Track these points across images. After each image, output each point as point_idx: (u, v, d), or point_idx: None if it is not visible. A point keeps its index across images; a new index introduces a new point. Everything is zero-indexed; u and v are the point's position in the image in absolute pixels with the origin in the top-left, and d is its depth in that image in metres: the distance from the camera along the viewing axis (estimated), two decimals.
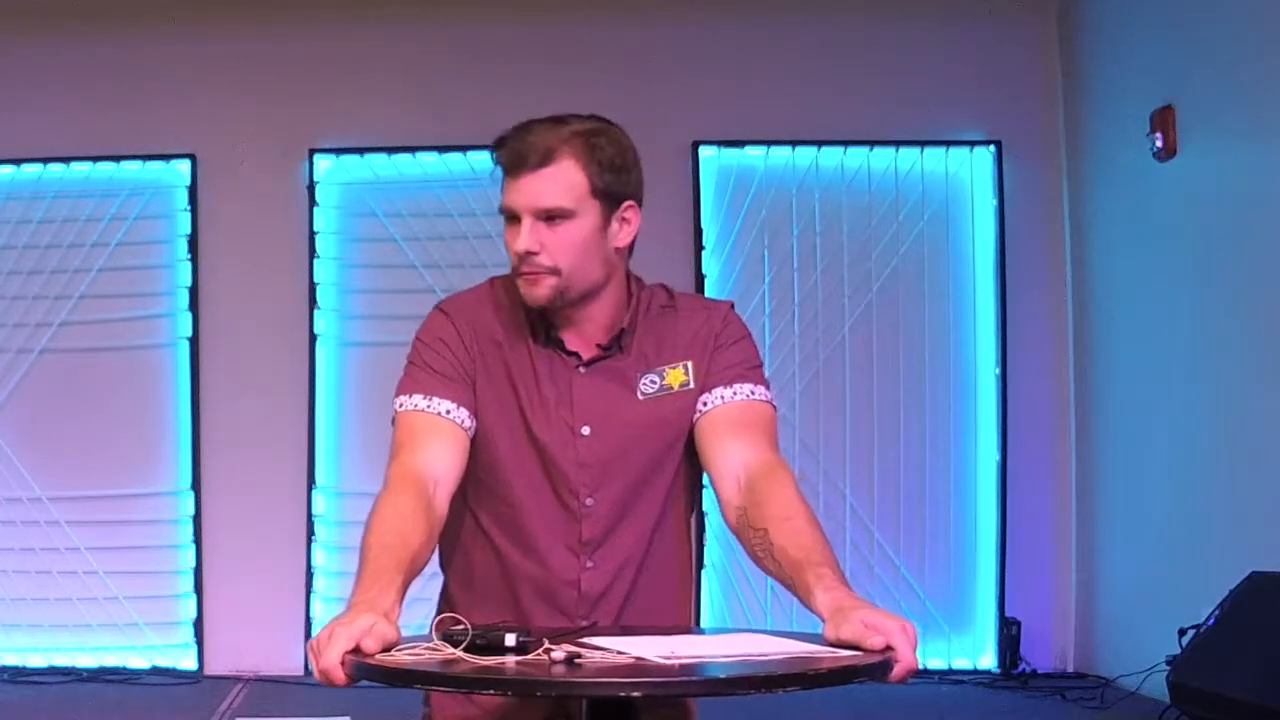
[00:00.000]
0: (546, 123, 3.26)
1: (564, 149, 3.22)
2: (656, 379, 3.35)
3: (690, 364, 3.37)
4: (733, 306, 3.49)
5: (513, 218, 3.26)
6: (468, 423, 3.28)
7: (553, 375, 3.33)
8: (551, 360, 3.34)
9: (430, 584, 3.42)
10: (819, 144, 8.62)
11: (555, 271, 3.24)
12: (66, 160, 8.55)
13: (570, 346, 3.34)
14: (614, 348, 3.36)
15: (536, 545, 3.33)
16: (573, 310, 3.32)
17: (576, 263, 3.26)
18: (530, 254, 3.23)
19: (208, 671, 8.46)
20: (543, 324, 3.34)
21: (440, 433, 3.25)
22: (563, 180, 3.22)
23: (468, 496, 3.36)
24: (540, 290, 3.26)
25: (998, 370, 8.60)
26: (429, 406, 3.27)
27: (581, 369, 3.34)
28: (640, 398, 3.34)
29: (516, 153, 3.23)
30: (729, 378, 3.35)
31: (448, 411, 3.26)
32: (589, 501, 3.32)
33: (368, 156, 8.62)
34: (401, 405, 3.31)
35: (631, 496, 3.34)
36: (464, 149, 8.49)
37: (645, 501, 3.35)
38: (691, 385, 3.36)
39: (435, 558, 3.28)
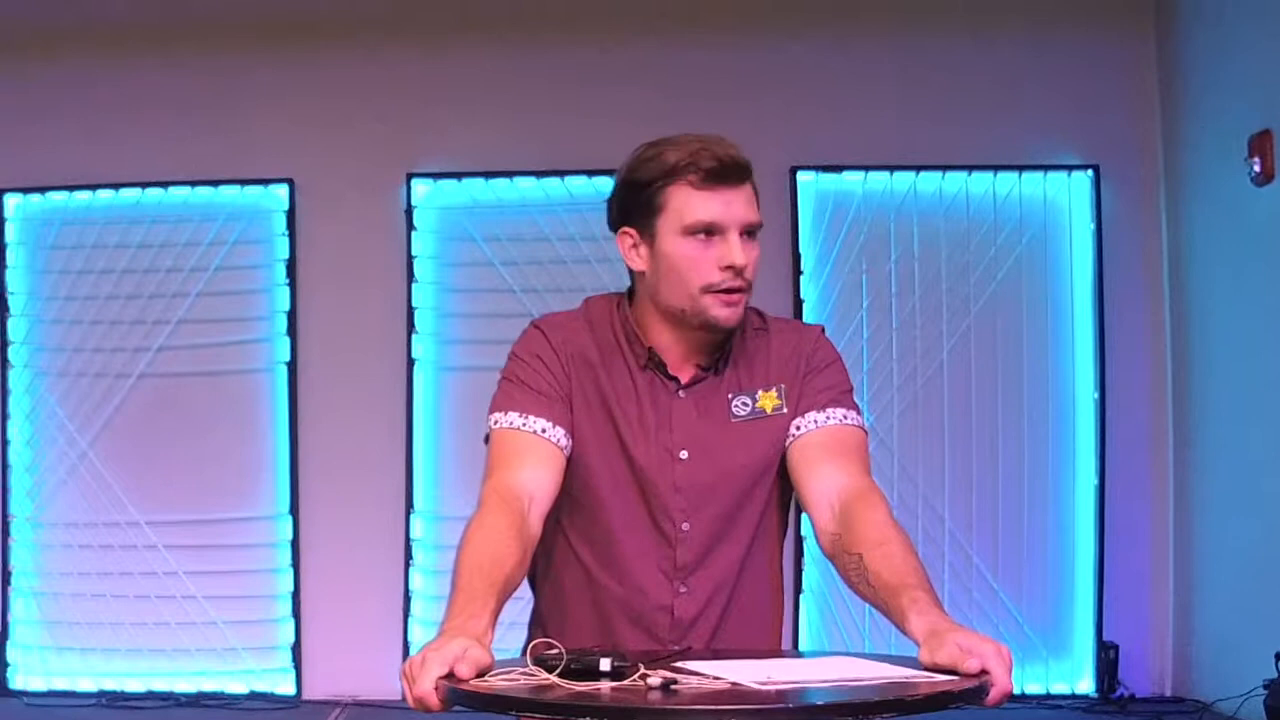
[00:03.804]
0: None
1: (749, 167, 3.24)
2: (749, 401, 3.33)
3: (783, 388, 3.34)
4: (824, 330, 3.47)
5: (707, 232, 3.20)
6: (564, 442, 3.25)
7: (653, 397, 3.31)
8: (652, 382, 3.31)
9: (524, 609, 3.45)
10: (917, 169, 8.59)
11: (747, 290, 3.23)
12: (165, 185, 8.59)
13: (671, 370, 3.32)
14: (712, 370, 3.33)
15: (630, 570, 3.31)
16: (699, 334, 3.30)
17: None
18: (744, 268, 3.20)
19: (306, 696, 8.48)
20: (643, 346, 3.31)
21: (536, 452, 3.22)
22: (756, 198, 3.23)
23: (560, 518, 3.34)
24: (739, 311, 3.24)
25: (1096, 394, 8.54)
26: (525, 425, 3.23)
27: (681, 393, 3.31)
28: (733, 420, 3.32)
29: (724, 162, 3.18)
30: (821, 402, 3.33)
31: (544, 430, 3.23)
32: (685, 526, 3.29)
33: (465, 181, 8.63)
34: (496, 423, 3.28)
35: (726, 521, 3.32)
36: (562, 174, 8.51)
37: (739, 526, 3.33)
38: (784, 409, 3.33)
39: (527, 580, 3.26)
